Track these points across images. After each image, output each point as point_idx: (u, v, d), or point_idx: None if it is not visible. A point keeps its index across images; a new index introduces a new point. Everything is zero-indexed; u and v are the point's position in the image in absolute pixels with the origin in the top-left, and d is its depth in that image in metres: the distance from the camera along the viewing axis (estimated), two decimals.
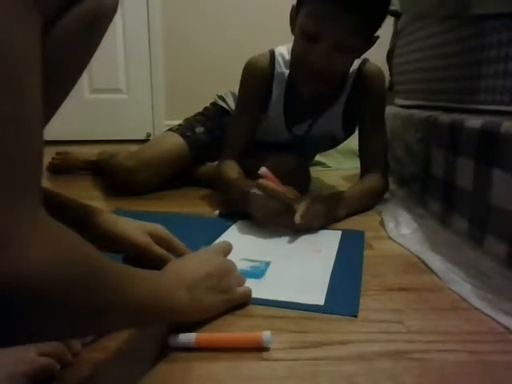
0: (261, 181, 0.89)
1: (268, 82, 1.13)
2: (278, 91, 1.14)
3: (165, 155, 1.25)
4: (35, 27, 0.30)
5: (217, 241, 0.82)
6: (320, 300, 0.62)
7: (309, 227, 0.90)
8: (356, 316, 0.58)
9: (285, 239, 0.86)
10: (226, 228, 0.91)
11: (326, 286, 0.66)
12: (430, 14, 1.14)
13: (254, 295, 0.61)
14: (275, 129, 1.20)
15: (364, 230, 0.92)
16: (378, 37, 1.01)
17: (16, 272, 0.26)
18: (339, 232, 0.91)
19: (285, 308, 0.60)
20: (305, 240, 0.86)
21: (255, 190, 0.89)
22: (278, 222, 0.90)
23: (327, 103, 1.16)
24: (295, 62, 1.02)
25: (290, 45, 1.11)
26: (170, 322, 0.53)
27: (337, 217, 0.98)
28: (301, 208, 0.87)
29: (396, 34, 1.53)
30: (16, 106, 0.28)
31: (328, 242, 0.85)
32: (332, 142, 1.29)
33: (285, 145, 1.24)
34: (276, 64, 1.13)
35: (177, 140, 1.28)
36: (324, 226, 0.93)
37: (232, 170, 1.09)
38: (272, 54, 1.14)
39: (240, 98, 1.18)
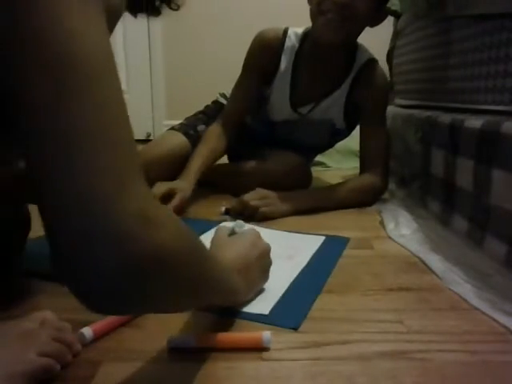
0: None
1: (277, 53, 1.16)
2: (286, 63, 1.16)
3: (168, 154, 1.26)
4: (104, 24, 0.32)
5: None
6: (265, 310, 0.59)
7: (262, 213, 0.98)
8: (296, 329, 0.55)
9: None
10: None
11: (279, 296, 0.62)
12: (430, 14, 1.14)
13: None
14: (278, 105, 1.22)
15: (349, 237, 0.87)
16: (396, 12, 1.10)
17: (156, 248, 0.30)
18: (322, 238, 0.87)
19: (232, 317, 0.57)
20: (280, 245, 0.81)
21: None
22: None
23: (331, 87, 1.18)
24: (315, 8, 1.04)
25: (305, 26, 1.15)
26: (229, 303, 0.55)
27: (297, 208, 1.03)
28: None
29: (396, 34, 1.53)
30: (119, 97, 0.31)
31: (305, 247, 0.82)
32: (331, 132, 1.28)
33: (285, 138, 1.26)
34: (287, 38, 1.17)
35: (180, 139, 1.29)
36: (280, 214, 1.01)
37: (206, 142, 1.15)
38: (286, 28, 1.18)
39: (244, 66, 1.21)
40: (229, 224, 0.66)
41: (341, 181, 1.19)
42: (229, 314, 0.57)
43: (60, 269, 0.30)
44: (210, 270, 0.41)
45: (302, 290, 0.65)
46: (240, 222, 0.66)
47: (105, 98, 0.29)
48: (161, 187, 0.98)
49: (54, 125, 0.28)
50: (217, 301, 0.51)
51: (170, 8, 0.63)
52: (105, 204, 0.28)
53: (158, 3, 0.62)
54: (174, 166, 1.27)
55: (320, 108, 1.20)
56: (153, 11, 0.63)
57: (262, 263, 0.59)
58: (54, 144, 0.28)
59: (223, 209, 1.03)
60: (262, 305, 0.60)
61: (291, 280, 0.68)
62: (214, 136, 1.16)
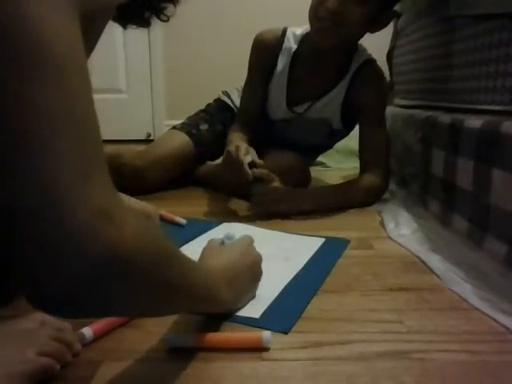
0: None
1: (275, 53, 1.18)
2: (283, 64, 1.18)
3: (172, 153, 1.27)
4: (76, 18, 0.31)
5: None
6: (257, 313, 0.58)
7: (265, 205, 1.01)
8: (286, 333, 0.54)
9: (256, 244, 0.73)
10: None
11: (272, 299, 0.62)
12: (430, 14, 1.14)
13: None
14: (276, 104, 1.23)
15: (350, 239, 0.86)
16: (396, 13, 1.09)
17: (117, 246, 0.29)
18: (321, 239, 0.85)
19: (222, 320, 0.56)
20: (278, 246, 0.81)
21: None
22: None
23: (327, 87, 1.18)
24: (312, 13, 1.05)
25: (304, 27, 1.15)
26: (214, 310, 0.54)
27: (300, 207, 1.03)
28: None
29: (396, 34, 1.53)
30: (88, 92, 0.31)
31: (303, 249, 0.80)
32: (329, 132, 1.27)
33: (282, 137, 1.26)
34: (285, 39, 1.18)
35: (183, 138, 1.30)
36: (284, 214, 1.01)
37: (234, 133, 1.16)
38: (284, 29, 1.20)
39: (249, 69, 1.23)
40: (219, 236, 0.64)
41: (341, 181, 1.19)
42: (219, 317, 0.56)
43: (20, 272, 0.29)
44: (185, 274, 0.40)
45: (296, 293, 0.64)
46: (230, 233, 0.64)
47: (69, 89, 0.29)
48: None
49: (17, 117, 0.27)
50: (200, 307, 0.50)
51: (160, 19, 0.62)
52: (67, 202, 0.27)
53: (147, 14, 0.61)
54: (177, 166, 1.28)
55: (316, 107, 1.20)
56: (142, 23, 0.62)
57: (251, 272, 0.58)
58: (16, 138, 0.27)
59: (249, 158, 0.99)
60: (253, 308, 0.59)
61: (286, 282, 0.67)
62: (234, 132, 1.18)
